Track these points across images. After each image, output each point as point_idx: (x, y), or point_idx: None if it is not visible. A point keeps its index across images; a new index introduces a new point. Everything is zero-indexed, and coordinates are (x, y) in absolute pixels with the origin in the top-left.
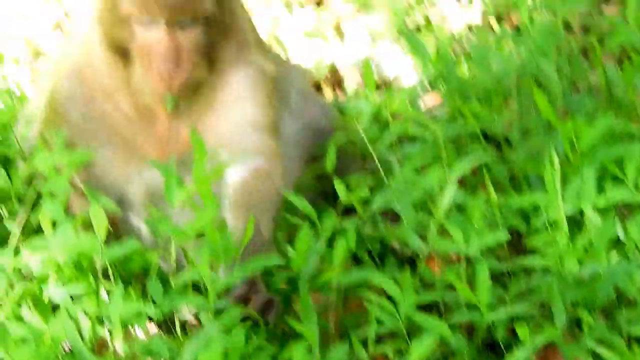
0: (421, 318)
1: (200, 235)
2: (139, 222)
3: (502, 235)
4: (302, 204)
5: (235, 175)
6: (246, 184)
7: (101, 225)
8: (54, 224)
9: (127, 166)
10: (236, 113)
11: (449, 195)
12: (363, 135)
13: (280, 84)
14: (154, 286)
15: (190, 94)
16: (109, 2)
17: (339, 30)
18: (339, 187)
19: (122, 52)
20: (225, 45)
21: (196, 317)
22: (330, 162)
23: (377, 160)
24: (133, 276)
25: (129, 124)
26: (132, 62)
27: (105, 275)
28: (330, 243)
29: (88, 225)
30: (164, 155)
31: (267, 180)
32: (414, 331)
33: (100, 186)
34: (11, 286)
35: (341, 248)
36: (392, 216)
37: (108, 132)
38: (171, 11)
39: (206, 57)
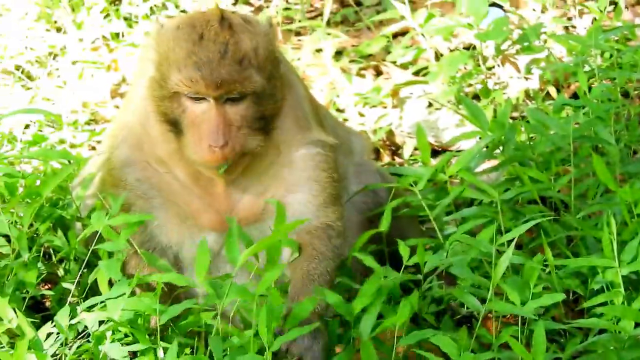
0: None
1: (262, 296)
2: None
3: (559, 296)
4: (368, 260)
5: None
6: (309, 246)
7: (157, 285)
8: (110, 284)
9: (181, 230)
10: (302, 191)
11: (507, 257)
12: (421, 199)
13: (340, 154)
14: (215, 344)
15: (247, 166)
16: (159, 79)
17: (396, 97)
18: (403, 249)
19: (173, 124)
20: (281, 118)
21: None
22: (385, 223)
23: (434, 223)
24: (188, 334)
25: (184, 190)
26: (184, 133)
27: (161, 333)
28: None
29: (144, 284)
30: (220, 224)
31: (328, 242)
32: None
33: (156, 247)
34: (67, 344)
35: (406, 308)
36: (448, 277)
37: (163, 197)
38: (219, 89)
39: (259, 131)
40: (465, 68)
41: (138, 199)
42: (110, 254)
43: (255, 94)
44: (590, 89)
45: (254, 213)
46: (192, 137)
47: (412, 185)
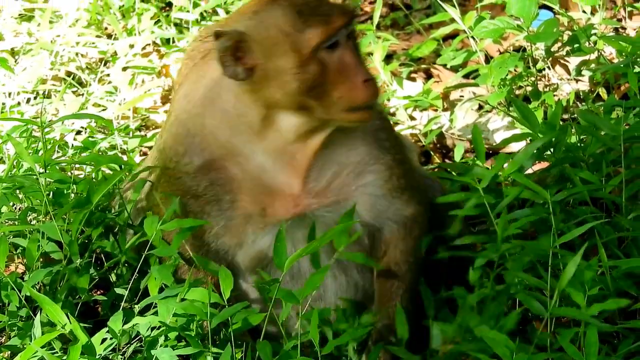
0: None
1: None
2: (246, 286)
3: (623, 302)
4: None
5: (385, 240)
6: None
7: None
8: (162, 289)
9: (245, 229)
10: (382, 178)
11: (575, 263)
12: (485, 200)
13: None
14: (263, 348)
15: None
16: (294, 47)
17: (447, 100)
18: (477, 267)
19: (312, 92)
20: None
21: None
22: (457, 226)
23: (494, 223)
24: (240, 338)
25: (259, 180)
26: (328, 91)
27: (213, 337)
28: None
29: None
30: (295, 207)
31: (410, 241)
32: None
33: (210, 252)
34: (120, 350)
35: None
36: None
37: (233, 195)
38: (347, 14)
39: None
40: (515, 70)
41: (207, 204)
42: (162, 260)
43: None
44: None
45: (331, 190)
46: (342, 85)
47: (477, 182)
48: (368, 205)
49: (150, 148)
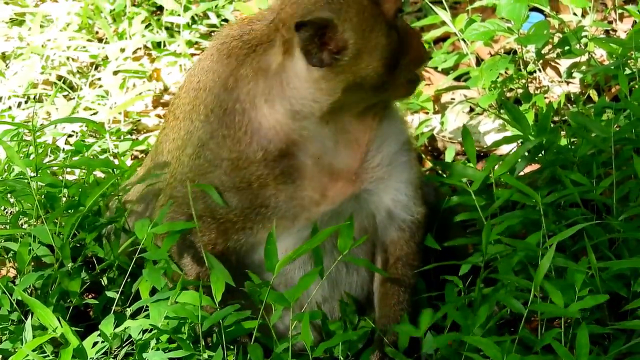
0: None
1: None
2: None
3: (602, 298)
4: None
5: (392, 241)
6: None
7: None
8: (154, 292)
9: (297, 218)
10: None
11: (549, 258)
12: (476, 202)
13: None
14: (254, 351)
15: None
16: (380, 19)
17: (438, 102)
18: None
19: (393, 59)
20: None
21: None
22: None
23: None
24: (233, 341)
25: (322, 165)
26: (403, 56)
27: (205, 339)
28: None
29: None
30: (353, 187)
31: (414, 245)
32: None
33: (226, 253)
34: (112, 353)
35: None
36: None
37: (300, 183)
38: None
39: None
40: (506, 73)
41: (276, 192)
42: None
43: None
44: (631, 91)
45: (381, 165)
46: (411, 47)
47: (467, 185)
48: (396, 186)
49: (142, 152)
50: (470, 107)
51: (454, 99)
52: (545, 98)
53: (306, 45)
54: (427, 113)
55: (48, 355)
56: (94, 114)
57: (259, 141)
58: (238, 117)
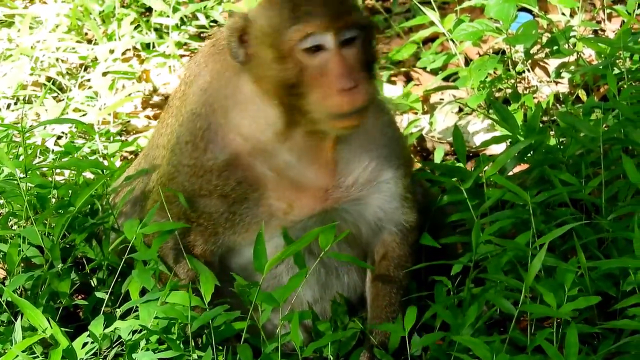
0: None
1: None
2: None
3: (594, 299)
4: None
5: (383, 243)
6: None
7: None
8: (143, 292)
9: (266, 229)
10: (394, 185)
11: (540, 258)
12: (468, 201)
13: None
14: (243, 351)
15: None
16: (267, 51)
17: (427, 102)
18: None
19: (290, 91)
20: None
21: None
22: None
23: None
24: (224, 341)
25: (286, 178)
26: (306, 95)
27: (195, 340)
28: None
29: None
30: (323, 200)
31: (406, 247)
32: None
33: (215, 253)
34: (101, 354)
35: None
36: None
37: (260, 194)
38: (338, 21)
39: (371, 79)
40: (494, 73)
41: (235, 203)
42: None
43: (364, 29)
44: (619, 91)
45: (358, 184)
46: (319, 90)
47: (460, 183)
48: (381, 202)
49: (131, 153)
50: (459, 107)
51: (442, 99)
52: (534, 98)
53: (229, 35)
54: (416, 113)
55: (38, 356)
56: (84, 115)
57: (212, 150)
58: (200, 122)
